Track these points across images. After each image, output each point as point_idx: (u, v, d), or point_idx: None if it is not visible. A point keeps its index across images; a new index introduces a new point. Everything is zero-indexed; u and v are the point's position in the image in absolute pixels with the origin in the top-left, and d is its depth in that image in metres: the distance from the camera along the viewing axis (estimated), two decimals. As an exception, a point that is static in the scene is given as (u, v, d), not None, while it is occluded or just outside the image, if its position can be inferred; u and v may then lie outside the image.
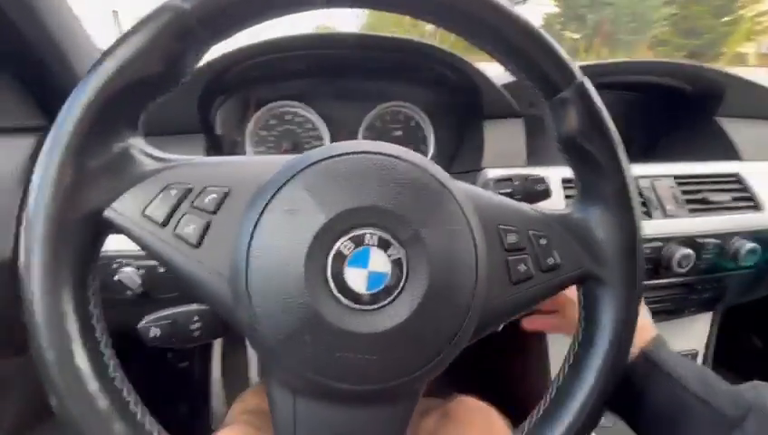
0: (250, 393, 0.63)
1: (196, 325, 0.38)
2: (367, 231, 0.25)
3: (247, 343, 1.05)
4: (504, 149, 0.65)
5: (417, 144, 0.73)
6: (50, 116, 0.52)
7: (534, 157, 0.65)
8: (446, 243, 0.26)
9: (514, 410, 0.32)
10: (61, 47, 0.50)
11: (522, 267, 0.29)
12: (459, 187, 0.28)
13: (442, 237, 0.26)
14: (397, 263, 0.25)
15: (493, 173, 0.60)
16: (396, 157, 0.27)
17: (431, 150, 0.72)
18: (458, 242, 0.26)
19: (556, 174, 0.61)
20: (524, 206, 0.32)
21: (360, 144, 0.27)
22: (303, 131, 0.71)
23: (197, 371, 1.05)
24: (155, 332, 0.37)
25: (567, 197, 0.61)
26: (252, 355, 1.06)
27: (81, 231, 0.25)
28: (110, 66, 0.25)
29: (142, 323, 0.37)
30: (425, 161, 0.27)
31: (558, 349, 0.72)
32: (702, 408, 0.33)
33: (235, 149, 0.69)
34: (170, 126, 0.58)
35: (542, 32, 0.28)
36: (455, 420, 0.51)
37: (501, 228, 0.29)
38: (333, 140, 0.71)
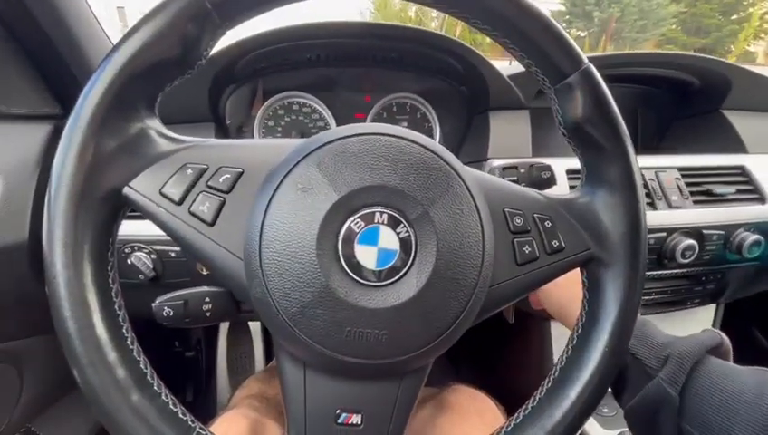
0: (253, 380, 0.65)
1: (208, 306, 0.39)
2: (377, 209, 0.26)
3: (252, 333, 1.06)
4: (509, 139, 0.65)
5: (424, 134, 0.73)
6: (63, 104, 0.53)
7: (539, 148, 0.65)
8: (454, 223, 0.26)
9: (518, 398, 0.32)
10: (77, 39, 0.51)
11: (527, 249, 0.30)
12: (467, 170, 0.29)
13: (449, 217, 0.26)
14: (405, 241, 0.26)
15: (498, 163, 0.61)
16: (406, 139, 0.27)
17: (437, 141, 0.73)
18: (465, 222, 0.27)
19: (561, 165, 0.61)
20: (530, 190, 0.32)
21: (371, 126, 0.28)
22: (310, 121, 0.72)
23: (203, 360, 1.07)
24: (168, 311, 0.38)
25: (572, 187, 0.61)
26: (257, 345, 1.07)
27: (100, 208, 0.26)
28: (129, 49, 0.25)
29: (156, 303, 0.38)
30: (434, 144, 0.28)
31: (561, 338, 0.72)
32: (633, 363, 0.36)
33: (243, 138, 0.70)
34: (182, 115, 0.59)
35: (550, 18, 0.28)
36: (449, 409, 0.51)
37: (507, 211, 0.30)
38: None
